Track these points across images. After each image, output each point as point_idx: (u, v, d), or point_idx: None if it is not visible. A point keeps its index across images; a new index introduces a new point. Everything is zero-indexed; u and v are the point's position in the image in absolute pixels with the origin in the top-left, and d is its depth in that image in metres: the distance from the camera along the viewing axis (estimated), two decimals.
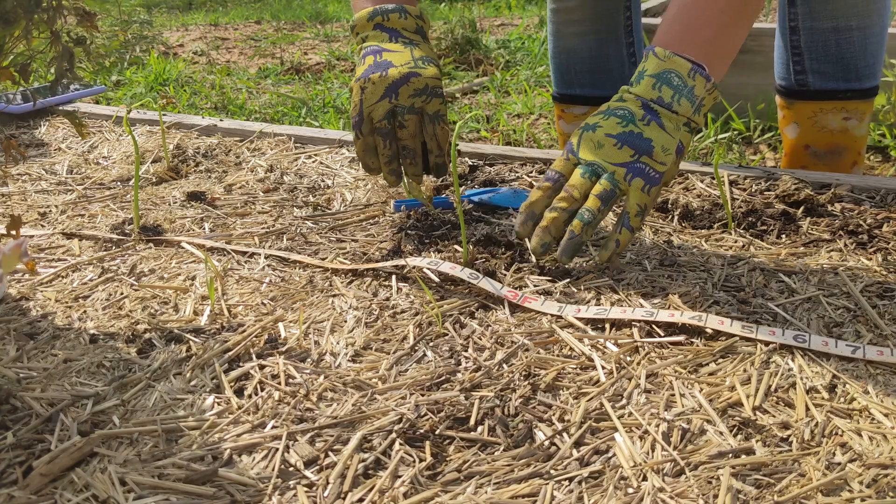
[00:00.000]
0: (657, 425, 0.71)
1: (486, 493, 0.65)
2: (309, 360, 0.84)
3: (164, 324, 0.93)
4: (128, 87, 2.64)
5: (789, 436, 0.69)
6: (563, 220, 0.93)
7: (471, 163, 1.39)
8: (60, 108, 1.85)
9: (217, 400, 0.79)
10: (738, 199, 1.17)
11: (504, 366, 0.81)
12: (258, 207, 1.25)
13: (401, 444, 0.71)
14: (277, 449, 0.71)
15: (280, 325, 0.91)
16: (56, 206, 1.29)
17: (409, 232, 1.11)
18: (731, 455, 0.67)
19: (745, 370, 0.78)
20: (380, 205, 1.23)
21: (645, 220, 0.97)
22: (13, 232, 0.85)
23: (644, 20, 2.01)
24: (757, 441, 0.69)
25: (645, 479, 0.65)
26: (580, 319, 0.88)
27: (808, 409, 0.72)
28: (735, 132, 1.81)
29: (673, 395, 0.75)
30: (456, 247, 1.06)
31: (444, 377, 0.80)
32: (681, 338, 0.84)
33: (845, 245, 1.02)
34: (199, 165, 1.45)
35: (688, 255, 1.02)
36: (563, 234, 0.93)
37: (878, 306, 0.88)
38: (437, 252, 1.05)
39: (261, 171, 1.40)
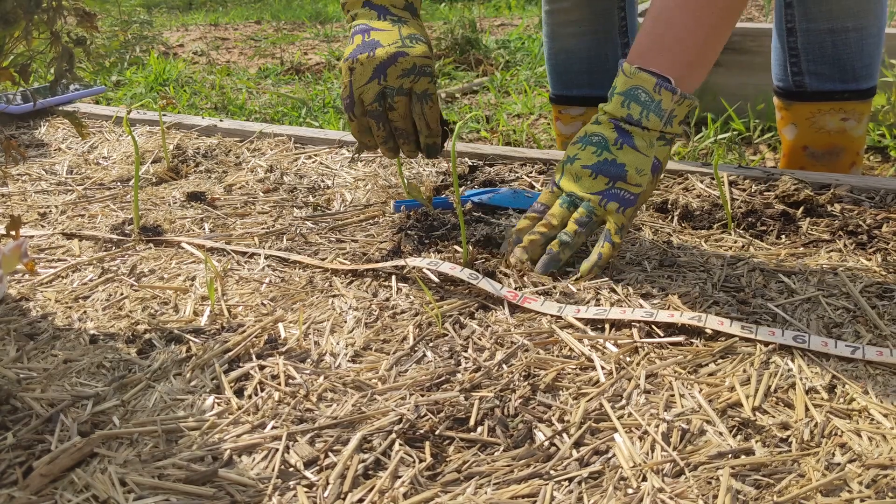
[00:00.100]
0: (657, 426, 0.71)
1: (485, 493, 0.65)
2: (309, 360, 0.84)
3: (164, 324, 0.93)
4: (128, 87, 2.64)
5: (789, 436, 0.69)
6: (541, 244, 0.99)
7: (471, 163, 1.39)
8: (60, 108, 1.85)
9: (217, 400, 0.79)
10: (737, 200, 1.17)
11: (504, 366, 0.81)
12: (258, 208, 1.25)
13: (401, 444, 0.71)
14: (277, 449, 0.71)
15: (280, 325, 0.91)
16: (56, 207, 1.29)
17: (409, 232, 1.11)
18: (730, 455, 0.67)
19: (744, 371, 0.78)
20: (379, 205, 1.23)
21: (625, 237, 1.02)
22: (13, 232, 0.85)
23: (642, 20, 2.01)
24: (756, 441, 0.69)
25: (644, 479, 0.65)
26: (580, 320, 0.88)
27: (807, 409, 0.73)
28: (735, 132, 1.81)
29: (672, 395, 0.75)
30: (456, 247, 1.06)
31: (443, 378, 0.80)
32: (680, 338, 0.84)
33: (845, 245, 1.02)
34: (199, 166, 1.45)
35: (687, 255, 1.02)
36: (540, 255, 0.99)
37: (877, 307, 0.88)
38: (437, 252, 1.05)
39: (261, 172, 1.40)
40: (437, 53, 2.82)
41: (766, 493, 0.63)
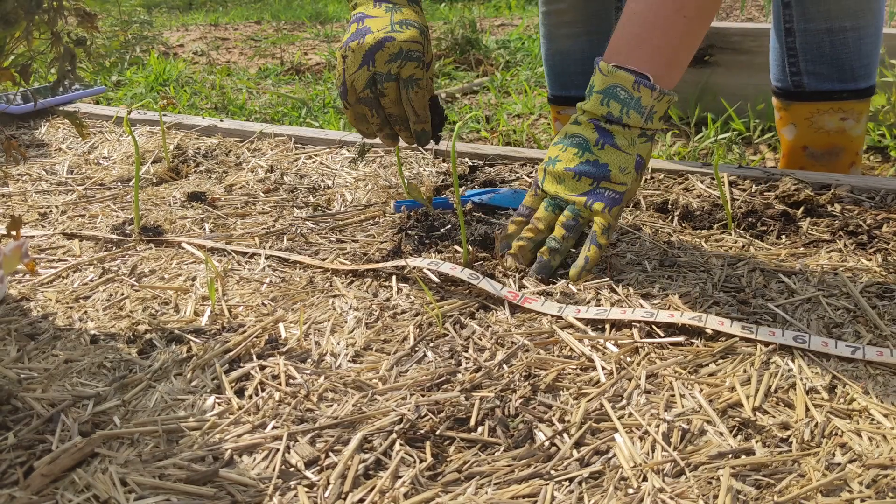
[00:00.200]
0: (657, 426, 0.71)
1: (486, 493, 0.65)
2: (309, 360, 0.85)
3: (164, 324, 0.93)
4: (128, 87, 2.64)
5: (789, 436, 0.69)
6: (530, 249, 0.99)
7: (471, 163, 1.39)
8: (61, 108, 1.85)
9: (218, 400, 0.79)
10: (738, 200, 1.17)
11: (504, 366, 0.81)
12: (258, 208, 1.25)
13: (401, 444, 0.71)
14: (278, 449, 0.71)
15: (280, 325, 0.91)
16: (56, 207, 1.29)
17: (410, 232, 1.11)
18: (731, 455, 0.67)
19: (744, 371, 0.78)
20: (380, 205, 1.23)
21: (612, 237, 1.02)
22: (14, 232, 0.86)
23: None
24: (757, 441, 0.69)
25: (645, 479, 0.65)
26: (580, 320, 0.88)
27: (807, 409, 0.73)
28: (735, 132, 1.81)
29: (673, 395, 0.75)
30: (456, 247, 1.06)
31: (444, 378, 0.80)
32: (681, 338, 0.84)
33: (845, 245, 1.02)
34: (199, 166, 1.45)
35: (688, 255, 1.02)
36: (532, 259, 1.00)
37: (877, 307, 0.88)
38: (438, 253, 1.05)
39: (261, 172, 1.40)
40: (438, 53, 2.82)
41: (767, 493, 0.63)
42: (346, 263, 1.04)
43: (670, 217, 1.14)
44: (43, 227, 1.22)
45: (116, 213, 1.26)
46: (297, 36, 3.65)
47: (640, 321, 0.86)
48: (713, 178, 1.25)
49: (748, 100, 1.84)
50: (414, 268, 1.00)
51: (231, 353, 0.86)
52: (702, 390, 0.76)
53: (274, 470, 0.69)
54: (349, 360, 0.84)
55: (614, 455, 0.69)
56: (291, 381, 0.81)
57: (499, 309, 0.92)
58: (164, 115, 1.73)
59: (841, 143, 1.37)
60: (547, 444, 0.70)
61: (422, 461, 0.69)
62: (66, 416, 0.77)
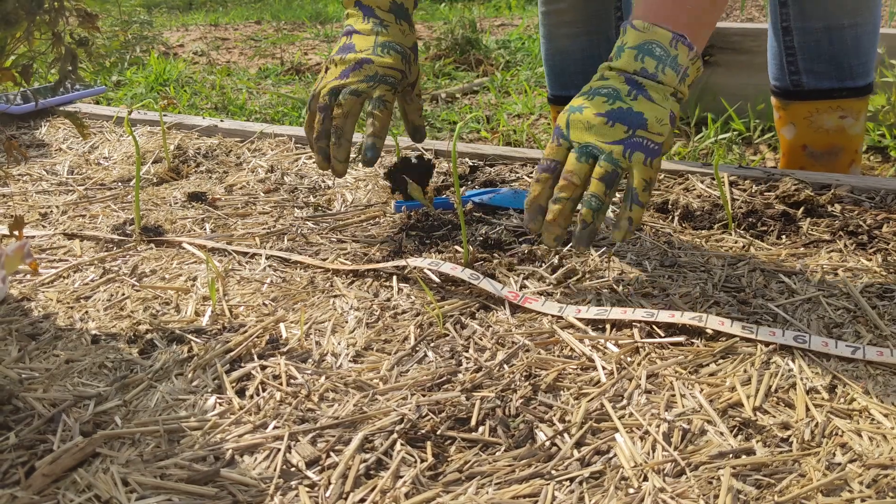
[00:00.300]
0: (658, 426, 0.71)
1: (487, 493, 0.65)
2: (310, 360, 0.85)
3: (165, 324, 0.93)
4: (128, 87, 2.65)
5: (789, 436, 0.70)
6: (570, 209, 0.89)
7: (471, 163, 1.39)
8: (61, 108, 1.85)
9: (219, 400, 0.79)
10: (738, 200, 1.17)
11: (505, 366, 0.81)
12: (259, 208, 1.25)
13: (402, 444, 0.71)
14: (279, 449, 0.71)
15: (281, 325, 0.91)
16: (57, 207, 1.29)
17: (410, 232, 1.11)
18: (731, 455, 0.67)
19: (745, 371, 0.78)
20: (380, 205, 1.23)
21: (652, 193, 0.93)
22: (16, 233, 0.86)
23: None
24: (757, 441, 0.69)
25: (646, 479, 0.66)
26: (581, 320, 0.88)
27: (808, 409, 0.73)
28: (735, 132, 1.81)
29: (673, 395, 0.76)
30: (456, 247, 1.06)
31: (445, 378, 0.80)
32: (681, 338, 0.84)
33: (845, 246, 1.02)
34: (199, 166, 1.45)
35: (688, 255, 1.02)
36: (570, 222, 0.91)
37: (877, 307, 0.88)
38: (438, 253, 1.05)
39: (261, 172, 1.40)
40: (438, 53, 2.82)
41: (767, 492, 0.63)
42: (347, 263, 1.04)
43: (671, 217, 1.14)
44: (44, 227, 1.22)
45: (117, 213, 1.26)
46: (297, 36, 3.65)
47: (640, 321, 0.86)
48: (713, 179, 1.25)
49: (748, 100, 1.84)
50: (414, 268, 1.00)
51: (232, 353, 0.86)
52: (702, 390, 0.76)
53: (275, 470, 0.69)
54: (350, 360, 0.84)
55: (615, 455, 0.69)
56: (292, 381, 0.81)
57: (499, 309, 0.92)
58: (165, 116, 1.73)
59: (840, 142, 1.37)
60: (548, 443, 0.70)
61: (423, 461, 0.69)
62: (67, 415, 0.77)
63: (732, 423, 0.72)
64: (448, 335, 0.87)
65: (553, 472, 0.67)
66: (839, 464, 0.66)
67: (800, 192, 1.15)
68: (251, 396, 0.79)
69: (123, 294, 1.00)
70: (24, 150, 1.53)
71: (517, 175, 1.33)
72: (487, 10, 4.08)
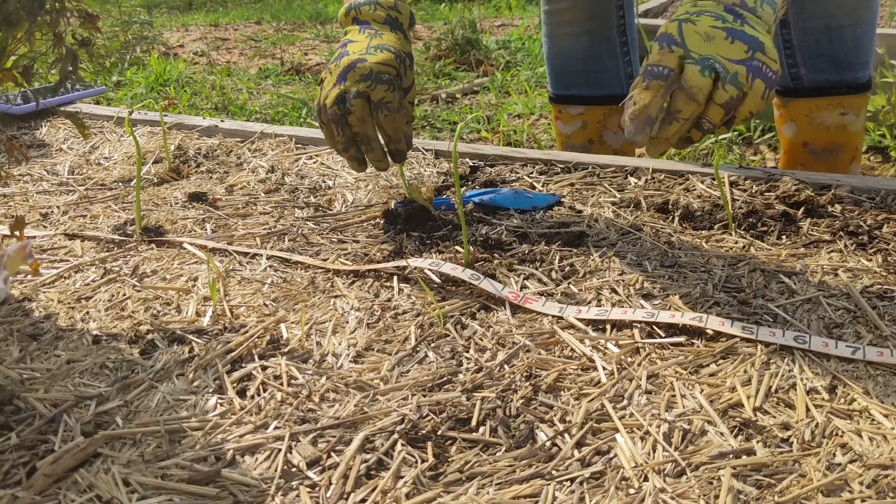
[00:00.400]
0: (658, 426, 0.72)
1: (487, 493, 0.65)
2: (311, 360, 0.85)
3: (166, 325, 0.93)
4: (128, 87, 2.65)
5: (790, 436, 0.70)
6: (687, 130, 0.83)
7: (471, 163, 1.40)
8: (62, 108, 1.85)
9: (220, 401, 0.79)
10: (738, 200, 1.17)
11: (505, 367, 0.81)
12: (259, 208, 1.25)
13: (403, 444, 0.71)
14: (280, 449, 0.71)
15: (282, 325, 0.91)
16: (58, 207, 1.29)
17: (411, 233, 1.12)
18: (731, 456, 0.68)
19: (745, 371, 0.78)
20: (381, 206, 1.23)
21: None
22: (17, 233, 0.86)
23: (644, 20, 2.01)
24: (757, 442, 0.69)
25: (646, 479, 0.66)
26: (581, 320, 0.88)
27: (808, 409, 0.73)
28: (735, 133, 1.82)
29: (674, 395, 0.76)
30: (457, 248, 1.06)
31: (445, 378, 0.80)
32: (681, 339, 0.84)
33: (845, 246, 1.02)
34: (200, 166, 1.45)
35: (688, 255, 1.02)
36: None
37: (877, 307, 0.88)
38: (439, 253, 1.05)
39: (262, 172, 1.40)
40: (438, 54, 2.82)
41: (768, 493, 0.63)
42: (348, 264, 1.04)
43: (671, 217, 1.14)
44: (44, 227, 1.22)
45: (118, 213, 1.26)
46: (297, 36, 3.66)
47: (640, 321, 0.87)
48: (713, 179, 1.25)
49: None
50: (415, 268, 1.00)
51: (233, 354, 0.86)
52: (702, 390, 0.76)
53: (276, 470, 0.69)
54: (351, 361, 0.84)
55: (615, 455, 0.69)
56: (293, 381, 0.81)
57: (500, 309, 0.92)
58: (165, 116, 1.73)
59: (841, 139, 1.37)
60: (548, 444, 0.70)
61: (423, 461, 0.69)
62: (68, 416, 0.77)
63: (733, 423, 0.72)
64: (449, 335, 0.88)
65: (553, 472, 0.67)
66: (839, 464, 0.66)
67: (800, 193, 1.15)
68: (252, 397, 0.79)
69: (124, 294, 1.01)
70: (24, 150, 1.53)
71: (518, 175, 1.33)
72: (487, 10, 4.08)
